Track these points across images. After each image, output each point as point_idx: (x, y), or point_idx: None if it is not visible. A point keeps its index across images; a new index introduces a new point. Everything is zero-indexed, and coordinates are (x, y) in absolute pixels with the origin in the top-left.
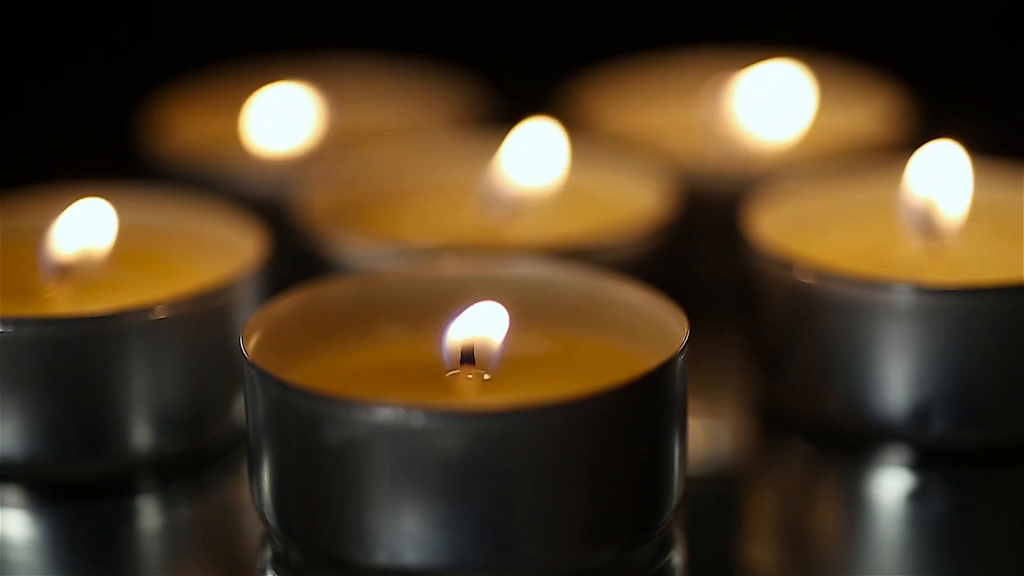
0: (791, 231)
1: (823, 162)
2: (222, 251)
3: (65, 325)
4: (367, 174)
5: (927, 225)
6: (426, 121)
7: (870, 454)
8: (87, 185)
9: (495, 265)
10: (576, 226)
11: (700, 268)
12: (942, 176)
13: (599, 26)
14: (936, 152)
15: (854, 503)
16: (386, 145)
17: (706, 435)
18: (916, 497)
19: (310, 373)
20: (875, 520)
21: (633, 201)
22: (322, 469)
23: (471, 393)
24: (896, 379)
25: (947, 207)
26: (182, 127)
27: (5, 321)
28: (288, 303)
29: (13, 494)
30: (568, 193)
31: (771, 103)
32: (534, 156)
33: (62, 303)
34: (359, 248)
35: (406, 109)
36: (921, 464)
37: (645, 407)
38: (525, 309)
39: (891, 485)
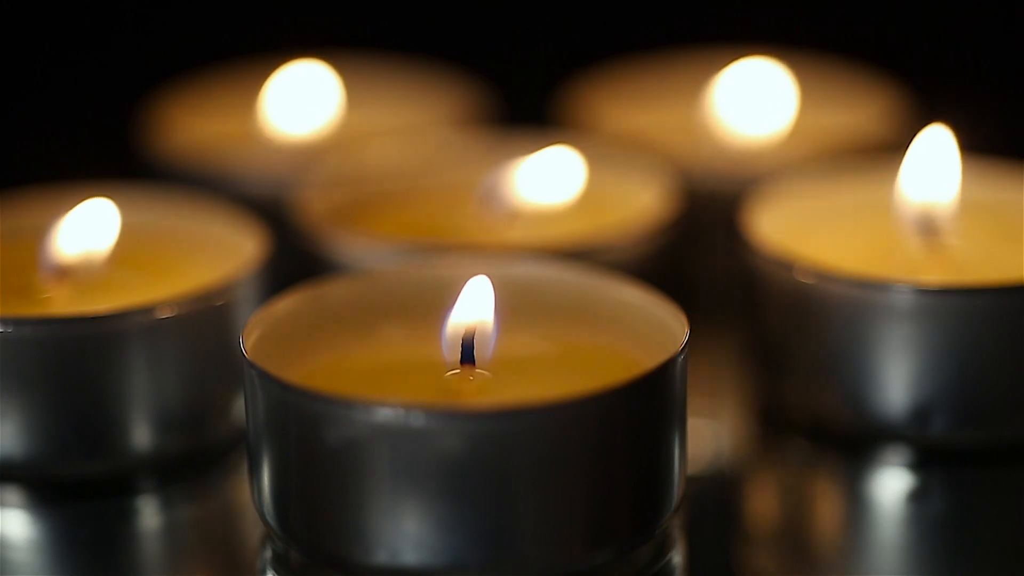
0: (791, 231)
1: (822, 162)
2: (222, 251)
3: (65, 325)
4: (368, 174)
5: (926, 225)
6: (427, 121)
7: (870, 454)
8: (87, 185)
9: (495, 265)
10: (576, 226)
11: (700, 268)
12: (938, 174)
13: (599, 26)
14: (931, 144)
15: (854, 503)
16: (387, 145)
17: (706, 435)
18: (916, 497)
19: (310, 373)
20: (875, 520)
21: (633, 201)
22: (322, 469)
23: (471, 393)
24: (896, 379)
25: (944, 206)
26: (182, 127)
27: (5, 321)
28: (288, 303)
29: (13, 494)
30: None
31: (763, 100)
32: (550, 176)
33: (62, 303)
34: (359, 248)
35: (407, 108)
36: (921, 464)
37: (645, 407)
38: (525, 309)
39: (891, 485)
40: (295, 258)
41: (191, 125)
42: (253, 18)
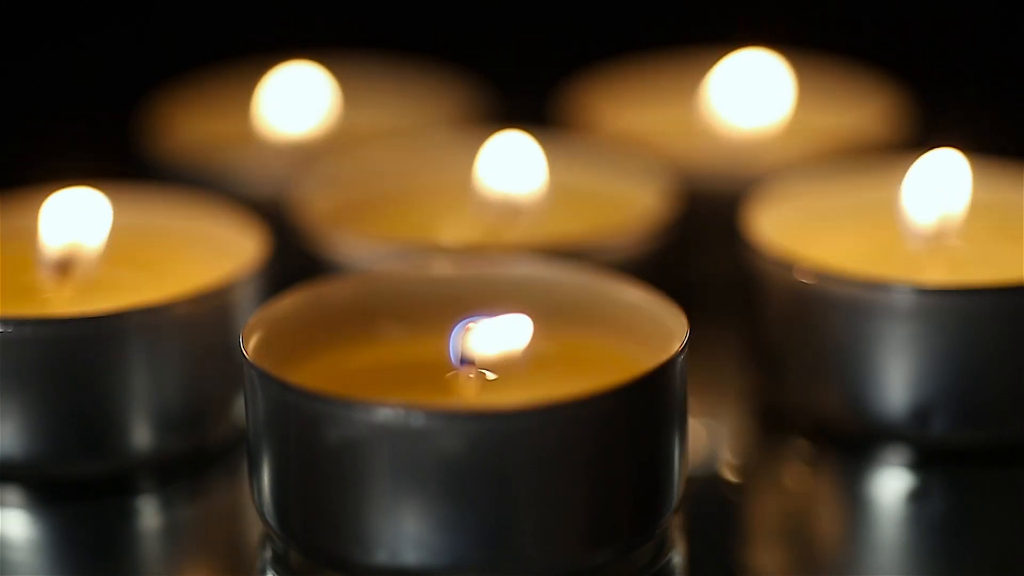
0: (791, 231)
1: (822, 161)
2: (222, 251)
3: (65, 325)
4: (367, 174)
5: (926, 225)
6: (426, 121)
7: (870, 454)
8: (87, 184)
9: (495, 265)
10: (576, 226)
11: (700, 268)
12: (942, 176)
13: (599, 26)
14: (937, 157)
15: (854, 503)
16: (386, 145)
17: (706, 435)
18: (916, 497)
19: (310, 373)
20: (875, 520)
21: (633, 201)
22: (322, 469)
23: (471, 393)
24: (896, 379)
25: (947, 207)
26: (181, 127)
27: (5, 321)
28: (288, 303)
29: (13, 494)
30: (568, 193)
31: (761, 92)
32: (513, 164)
33: (62, 303)
34: (359, 248)
35: (406, 109)
36: (921, 464)
37: (645, 407)
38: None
39: (891, 485)
40: (295, 258)
41: (190, 125)
42: (252, 18)
